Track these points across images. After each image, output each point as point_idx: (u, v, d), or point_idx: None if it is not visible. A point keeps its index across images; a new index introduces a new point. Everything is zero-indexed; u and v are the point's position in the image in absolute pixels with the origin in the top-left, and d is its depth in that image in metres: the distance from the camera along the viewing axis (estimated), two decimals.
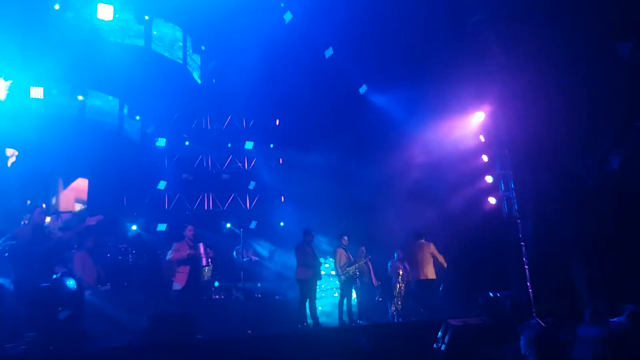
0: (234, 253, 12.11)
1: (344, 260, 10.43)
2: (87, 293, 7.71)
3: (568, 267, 11.32)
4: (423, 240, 11.21)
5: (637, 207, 10.84)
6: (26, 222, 7.83)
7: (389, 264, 11.84)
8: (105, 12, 12.34)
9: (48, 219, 8.11)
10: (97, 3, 12.34)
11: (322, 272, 10.85)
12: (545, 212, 11.75)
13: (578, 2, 10.08)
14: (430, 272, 10.96)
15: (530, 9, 10.72)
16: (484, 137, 13.21)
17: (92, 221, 7.12)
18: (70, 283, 6.72)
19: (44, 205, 7.98)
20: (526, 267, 11.18)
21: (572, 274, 11.25)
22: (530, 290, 10.87)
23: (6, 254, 6.96)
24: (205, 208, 16.13)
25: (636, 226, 10.67)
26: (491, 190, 12.80)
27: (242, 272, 10.38)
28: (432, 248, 11.15)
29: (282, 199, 16.51)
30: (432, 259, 11.10)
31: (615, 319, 6.79)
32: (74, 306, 6.57)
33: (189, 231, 9.17)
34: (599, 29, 10.32)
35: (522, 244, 11.50)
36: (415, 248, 11.19)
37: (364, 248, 11.37)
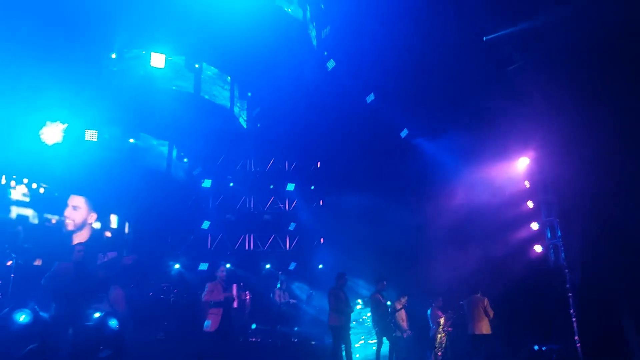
0: (272, 295, 12.12)
1: (381, 306, 10.12)
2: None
3: (618, 318, 10.73)
4: (479, 295, 10.79)
5: None
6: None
7: (428, 312, 11.48)
8: (158, 61, 13.06)
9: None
10: (151, 52, 13.09)
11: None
12: (593, 261, 11.27)
13: (615, 47, 9.93)
14: (485, 327, 10.50)
15: (567, 56, 10.64)
16: (529, 182, 12.97)
17: (128, 260, 7.35)
18: (113, 323, 6.91)
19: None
20: (574, 319, 10.70)
21: (622, 327, 10.64)
22: (578, 344, 10.36)
23: (49, 292, 7.23)
24: (246, 248, 16.34)
25: None
26: (537, 237, 12.44)
27: (279, 316, 10.33)
28: (486, 303, 10.68)
29: (322, 241, 16.52)
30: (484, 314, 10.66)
31: None
32: (115, 346, 6.74)
33: (221, 272, 9.10)
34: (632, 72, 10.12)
35: (570, 294, 11.05)
36: (471, 302, 10.80)
37: (406, 297, 11.00)
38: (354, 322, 10.89)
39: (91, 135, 12.96)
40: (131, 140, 14.27)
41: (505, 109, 12.20)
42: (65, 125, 12.35)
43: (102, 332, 6.82)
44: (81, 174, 12.21)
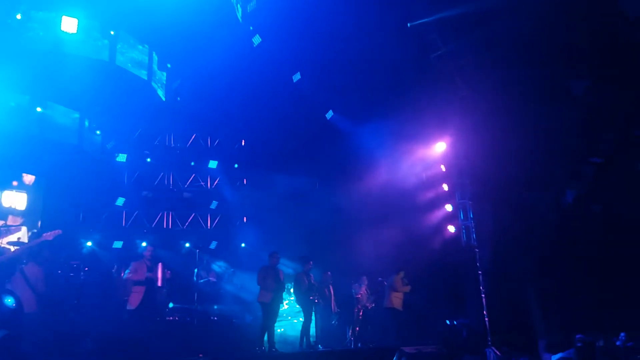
0: (194, 273, 11.83)
1: (304, 285, 10.30)
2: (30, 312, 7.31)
3: (524, 297, 11.51)
4: (397, 272, 11.22)
5: (591, 239, 11.20)
6: None
7: (352, 290, 11.76)
8: (69, 25, 12.08)
9: None
10: (62, 15, 12.10)
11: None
12: (503, 242, 11.99)
13: (536, 40, 10.48)
14: (397, 302, 10.96)
15: (491, 44, 11.09)
16: (445, 166, 13.50)
17: (49, 236, 6.81)
18: (9, 301, 6.33)
19: None
20: (483, 296, 11.34)
21: (527, 304, 11.44)
22: (486, 319, 11.00)
23: None
24: (165, 226, 15.78)
25: (592, 260, 11.01)
26: (450, 219, 13.03)
27: (196, 294, 10.13)
28: (401, 278, 11.14)
29: (245, 220, 16.31)
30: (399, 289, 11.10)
31: (561, 354, 6.89)
32: (12, 326, 6.18)
33: (148, 251, 8.97)
34: (556, 66, 10.76)
35: (480, 272, 11.69)
36: (388, 278, 11.23)
37: (329, 273, 11.28)
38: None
39: None
40: (39, 110, 13.21)
41: (427, 94, 12.57)
42: None
43: None
44: None
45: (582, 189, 11.95)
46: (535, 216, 11.88)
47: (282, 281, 9.68)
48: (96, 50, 13.26)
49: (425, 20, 11.93)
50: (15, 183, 12.60)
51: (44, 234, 6.81)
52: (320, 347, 10.08)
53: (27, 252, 7.75)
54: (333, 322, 11.73)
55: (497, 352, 10.00)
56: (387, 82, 13.52)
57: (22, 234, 12.04)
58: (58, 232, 6.84)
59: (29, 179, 12.92)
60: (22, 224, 12.37)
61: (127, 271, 8.96)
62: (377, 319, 11.40)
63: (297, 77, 14.12)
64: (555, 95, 11.29)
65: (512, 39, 10.54)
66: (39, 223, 12.81)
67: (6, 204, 12.45)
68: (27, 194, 12.83)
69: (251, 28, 13.99)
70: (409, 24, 12.08)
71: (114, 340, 6.96)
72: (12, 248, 9.91)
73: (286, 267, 12.03)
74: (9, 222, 11.92)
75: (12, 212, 12.46)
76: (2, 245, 10.51)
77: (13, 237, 11.85)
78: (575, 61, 10.77)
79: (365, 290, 11.64)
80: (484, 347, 10.33)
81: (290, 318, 12.08)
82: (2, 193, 12.40)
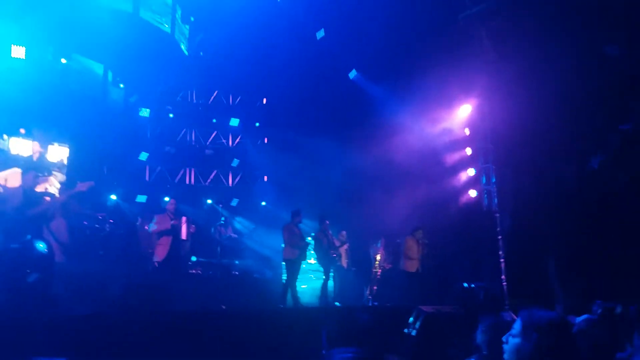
0: (212, 229, 12.02)
1: (324, 243, 10.45)
2: (60, 259, 7.53)
3: (543, 263, 11.48)
4: (416, 234, 11.29)
5: (614, 209, 11.03)
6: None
7: (370, 251, 11.89)
8: None
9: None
10: None
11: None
12: (524, 208, 11.87)
13: (570, 1, 10.10)
14: (414, 265, 11.06)
15: (522, 6, 10.72)
16: (469, 130, 13.29)
17: (83, 187, 6.97)
18: (41, 246, 6.52)
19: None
20: (502, 260, 11.34)
21: (546, 270, 11.41)
22: (504, 283, 11.03)
23: None
24: (187, 182, 15.96)
25: (611, 228, 10.87)
26: (473, 183, 12.93)
27: (219, 248, 10.31)
28: (419, 241, 11.22)
29: (265, 179, 16.40)
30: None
31: (586, 315, 6.85)
32: (44, 270, 6.39)
33: (171, 205, 9.13)
34: (589, 30, 10.38)
35: (499, 237, 11.65)
36: (406, 241, 11.30)
37: (344, 232, 11.41)
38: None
39: (18, 51, 11.82)
40: (63, 61, 13.21)
41: (453, 56, 12.26)
42: None
43: (29, 254, 6.43)
44: (8, 92, 11.22)
45: (608, 157, 11.71)
46: (558, 183, 11.71)
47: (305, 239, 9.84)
48: (120, 0, 13.14)
49: None
50: (22, 131, 12.46)
51: (79, 185, 6.95)
52: (337, 304, 10.27)
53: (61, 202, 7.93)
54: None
55: (514, 315, 10.07)
56: (412, 43, 13.21)
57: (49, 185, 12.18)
58: (91, 183, 7.01)
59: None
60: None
61: (151, 224, 9.13)
62: (395, 280, 11.52)
63: (320, 34, 13.87)
64: (586, 61, 10.93)
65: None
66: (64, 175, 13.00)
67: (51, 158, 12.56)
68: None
69: None
70: None
71: (140, 288, 7.14)
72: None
73: (305, 225, 12.15)
74: (58, 178, 11.79)
75: (56, 165, 12.48)
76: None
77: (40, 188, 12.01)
78: (610, 25, 10.37)
79: (383, 250, 11.74)
80: (501, 310, 10.39)
81: (311, 276, 12.25)
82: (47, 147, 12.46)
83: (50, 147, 12.51)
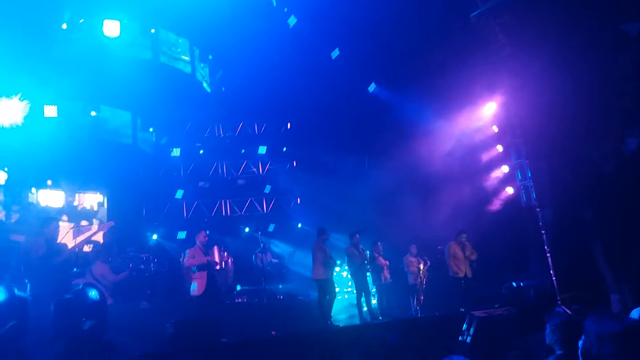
0: (253, 257, 12.16)
1: (357, 257, 10.39)
2: (109, 302, 7.79)
3: (590, 252, 11.15)
4: (460, 239, 11.22)
5: None
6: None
7: (403, 260, 11.78)
8: (111, 28, 12.53)
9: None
10: (103, 20, 12.50)
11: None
12: (564, 199, 11.60)
13: None
14: (464, 269, 10.96)
15: None
16: (497, 127, 13.14)
17: (104, 227, 7.24)
18: (93, 294, 6.78)
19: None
20: (548, 255, 11.07)
21: (595, 259, 11.08)
22: (554, 278, 10.76)
23: (22, 268, 7.09)
24: (223, 214, 16.22)
25: None
26: (508, 180, 12.73)
27: (263, 276, 10.39)
28: (467, 246, 11.15)
29: (298, 201, 16.55)
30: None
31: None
32: (98, 316, 6.62)
33: (202, 237, 9.10)
34: (605, 11, 10.20)
35: (543, 232, 11.40)
36: (450, 246, 11.22)
37: (379, 244, 11.33)
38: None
39: (51, 111, 12.38)
40: (93, 114, 13.76)
41: (470, 56, 12.21)
42: (25, 102, 11.63)
43: (83, 303, 6.68)
44: (45, 153, 11.74)
45: None
46: (595, 168, 11.41)
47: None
48: (139, 50, 13.69)
49: None
50: (49, 182, 12.92)
51: (99, 226, 7.24)
52: (381, 318, 10.17)
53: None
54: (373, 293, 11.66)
55: (568, 311, 9.79)
56: (427, 48, 13.21)
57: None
58: (111, 223, 7.25)
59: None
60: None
61: (184, 259, 9.17)
62: (440, 287, 11.37)
63: (335, 53, 14.06)
64: (606, 42, 10.72)
65: None
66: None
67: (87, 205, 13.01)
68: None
69: (285, 10, 14.01)
70: None
71: (190, 324, 7.28)
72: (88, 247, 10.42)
73: (343, 242, 12.16)
74: (94, 228, 11.91)
75: (91, 214, 12.98)
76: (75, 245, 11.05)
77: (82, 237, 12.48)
78: (626, 3, 10.17)
79: (416, 258, 11.61)
80: (554, 306, 10.12)
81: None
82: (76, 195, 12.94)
83: (83, 195, 13.02)
